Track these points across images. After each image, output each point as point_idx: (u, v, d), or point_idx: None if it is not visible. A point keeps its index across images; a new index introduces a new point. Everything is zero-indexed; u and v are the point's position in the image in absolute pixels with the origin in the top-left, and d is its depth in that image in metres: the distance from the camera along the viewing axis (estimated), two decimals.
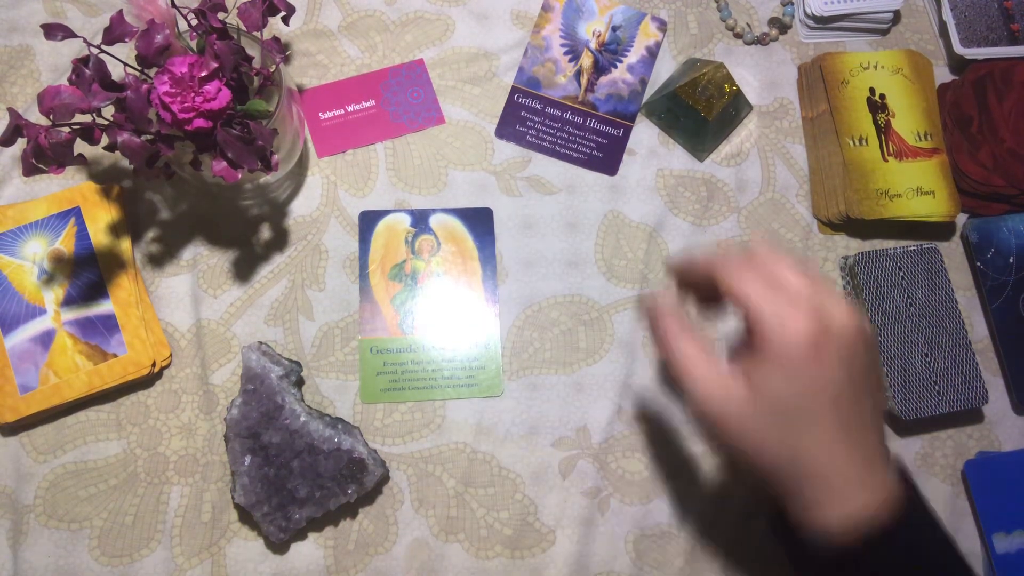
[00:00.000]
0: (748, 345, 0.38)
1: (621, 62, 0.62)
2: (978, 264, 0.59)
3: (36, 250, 0.53)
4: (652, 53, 0.63)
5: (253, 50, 0.50)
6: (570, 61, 0.62)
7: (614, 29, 0.62)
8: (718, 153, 0.62)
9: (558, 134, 0.60)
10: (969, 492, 0.55)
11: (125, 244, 0.54)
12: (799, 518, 0.39)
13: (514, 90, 0.61)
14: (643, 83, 0.62)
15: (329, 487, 0.49)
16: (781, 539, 0.43)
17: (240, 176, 0.46)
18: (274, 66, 0.50)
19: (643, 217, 0.59)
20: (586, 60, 0.62)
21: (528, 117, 0.61)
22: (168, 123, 0.44)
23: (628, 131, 0.61)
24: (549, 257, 0.58)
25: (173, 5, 0.47)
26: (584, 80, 0.62)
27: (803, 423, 0.37)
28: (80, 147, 0.44)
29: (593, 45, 0.62)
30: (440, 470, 0.53)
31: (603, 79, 0.62)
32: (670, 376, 0.46)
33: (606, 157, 0.60)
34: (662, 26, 0.63)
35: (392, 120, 0.60)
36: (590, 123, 0.61)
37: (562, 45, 0.62)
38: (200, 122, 0.44)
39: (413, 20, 0.63)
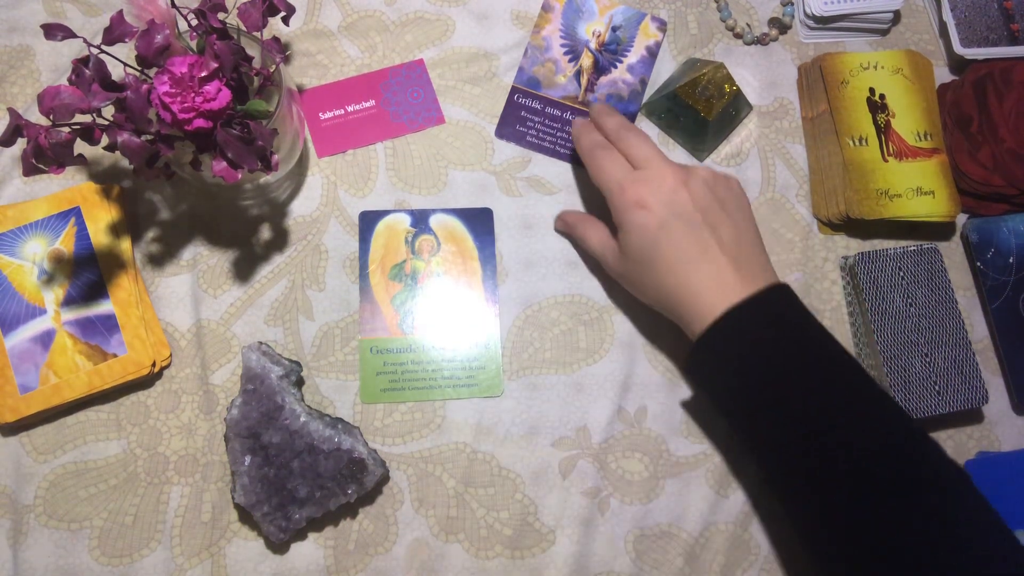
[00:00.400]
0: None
1: (621, 62, 0.62)
2: (978, 264, 0.59)
3: (36, 250, 0.53)
4: (652, 53, 0.63)
5: (253, 50, 0.50)
6: (570, 61, 0.62)
7: (614, 29, 0.62)
8: (718, 153, 0.62)
9: (558, 134, 0.60)
10: None
11: (125, 244, 0.54)
12: (689, 337, 0.49)
13: (514, 90, 0.61)
14: (643, 83, 0.62)
15: (329, 487, 0.49)
16: (690, 377, 0.54)
17: (240, 176, 0.46)
18: (274, 66, 0.50)
19: None
20: (586, 60, 0.62)
21: (528, 117, 0.60)
22: (168, 123, 0.44)
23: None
24: (549, 257, 0.58)
25: (173, 5, 0.47)
26: (584, 80, 0.61)
27: (653, 267, 0.49)
28: (80, 147, 0.44)
29: (593, 45, 0.62)
30: (440, 470, 0.53)
31: (603, 79, 0.62)
32: (577, 242, 0.57)
33: None
34: (662, 26, 0.63)
35: (392, 120, 0.60)
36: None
37: (562, 45, 0.62)
38: (200, 122, 0.44)
39: (413, 20, 0.63)
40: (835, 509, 0.43)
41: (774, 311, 0.47)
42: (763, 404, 0.46)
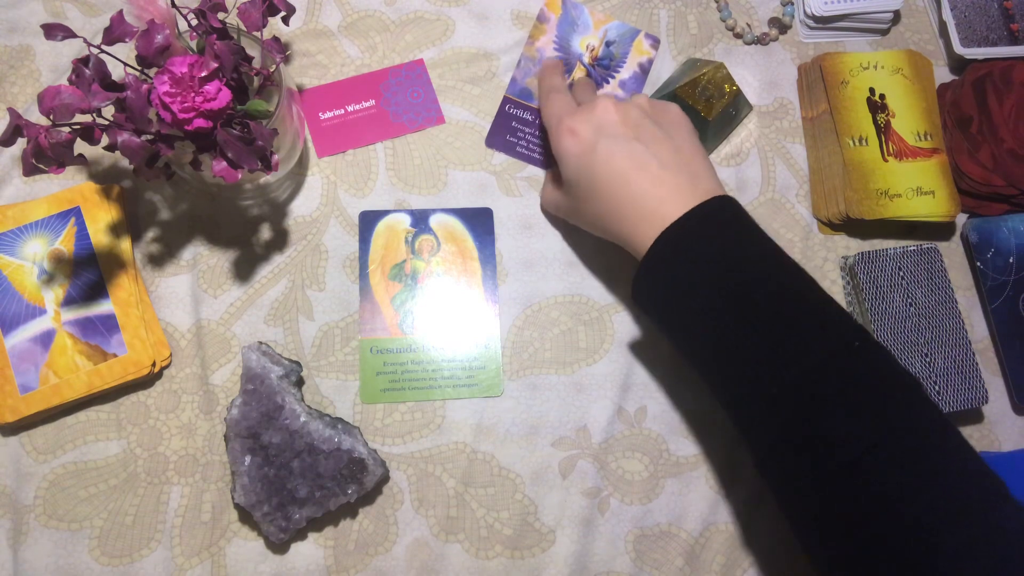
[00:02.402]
0: None
1: (613, 78, 0.62)
2: (978, 264, 0.59)
3: (36, 250, 0.53)
4: (644, 70, 0.62)
5: (253, 50, 0.50)
6: (567, 74, 0.61)
7: (608, 44, 0.62)
8: (718, 153, 0.62)
9: (548, 145, 0.57)
10: None
11: (125, 244, 0.54)
12: (636, 259, 0.48)
13: (506, 100, 0.61)
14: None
15: (329, 487, 0.49)
16: (636, 300, 0.50)
17: (240, 176, 0.46)
18: (274, 66, 0.50)
19: None
20: (579, 74, 0.62)
21: (519, 128, 0.60)
22: (168, 123, 0.44)
23: None
24: (549, 257, 0.58)
25: (173, 5, 0.47)
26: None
27: (591, 193, 0.49)
28: (80, 147, 0.44)
29: (586, 59, 0.62)
30: (440, 470, 0.53)
31: (600, 92, 0.61)
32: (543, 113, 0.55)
33: None
34: (655, 44, 0.63)
35: (392, 120, 0.60)
36: None
37: (556, 54, 0.62)
38: (200, 122, 0.44)
39: (413, 20, 0.63)
40: (790, 426, 0.42)
41: (718, 221, 0.46)
42: (709, 324, 0.44)
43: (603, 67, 0.62)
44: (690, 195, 0.46)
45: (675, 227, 0.45)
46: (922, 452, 0.39)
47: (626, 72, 0.62)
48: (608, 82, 0.62)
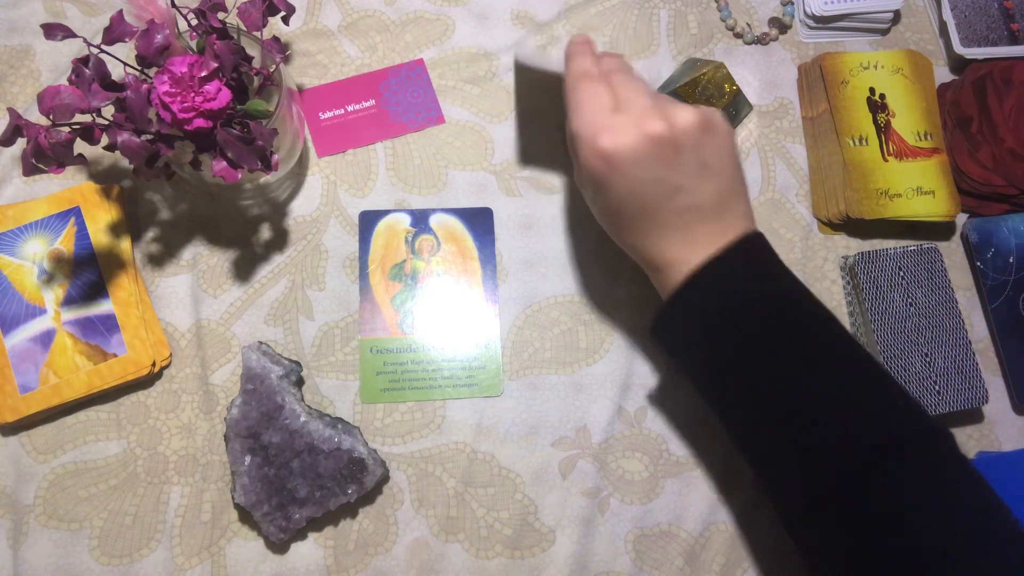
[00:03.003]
0: None
1: None
2: (978, 264, 0.59)
3: (36, 250, 0.53)
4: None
5: (253, 50, 0.50)
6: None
7: None
8: None
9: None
10: None
11: (125, 244, 0.54)
12: (659, 292, 0.47)
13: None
14: None
15: (329, 487, 0.49)
16: (659, 336, 0.48)
17: (240, 176, 0.46)
18: (274, 66, 0.50)
19: None
20: None
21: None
22: (168, 123, 0.44)
23: None
24: (549, 257, 0.58)
25: (173, 5, 0.47)
26: None
27: (620, 221, 0.45)
28: (80, 147, 0.44)
29: None
30: (440, 470, 0.53)
31: None
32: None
33: None
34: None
35: (392, 120, 0.60)
36: None
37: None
38: (200, 122, 0.44)
39: (413, 20, 0.63)
40: (836, 491, 0.40)
41: (749, 265, 0.44)
42: (738, 372, 0.43)
43: None
44: (720, 235, 0.44)
45: (705, 273, 0.43)
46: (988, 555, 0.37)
47: None
48: None
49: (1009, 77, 0.61)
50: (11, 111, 0.43)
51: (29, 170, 0.44)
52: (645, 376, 0.56)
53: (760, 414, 0.42)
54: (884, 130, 0.60)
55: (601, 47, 0.63)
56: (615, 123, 0.43)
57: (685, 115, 0.43)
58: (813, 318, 0.44)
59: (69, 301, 0.53)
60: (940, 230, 0.62)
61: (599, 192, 0.45)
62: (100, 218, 0.54)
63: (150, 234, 0.56)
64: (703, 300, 0.44)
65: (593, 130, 0.43)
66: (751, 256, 0.45)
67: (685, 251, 0.44)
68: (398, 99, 0.61)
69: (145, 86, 0.44)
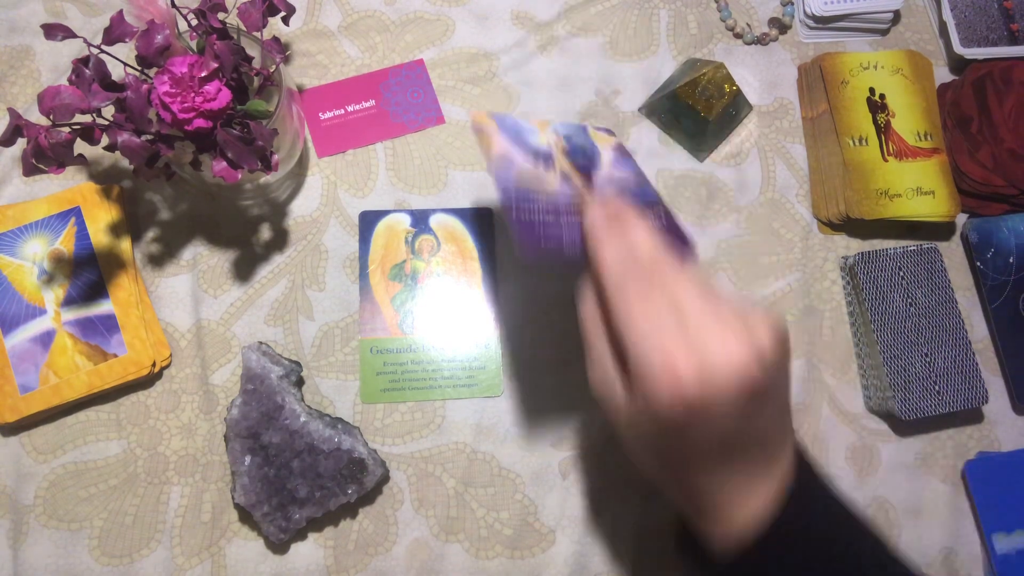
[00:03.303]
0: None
1: (599, 165, 0.46)
2: (978, 264, 0.59)
3: (36, 250, 0.53)
4: (623, 151, 0.49)
5: (253, 50, 0.50)
6: (547, 167, 0.43)
7: (567, 139, 0.47)
8: (718, 153, 0.62)
9: (574, 234, 0.42)
10: (969, 492, 0.55)
11: (125, 244, 0.54)
12: (692, 526, 0.39)
13: (507, 210, 0.40)
14: (640, 175, 0.48)
15: (329, 487, 0.49)
16: (684, 550, 0.42)
17: (240, 176, 0.46)
18: (274, 66, 0.50)
19: None
20: (563, 162, 0.45)
21: (547, 233, 0.41)
22: (168, 123, 0.44)
23: (668, 213, 0.46)
24: None
25: (173, 5, 0.47)
26: (578, 180, 0.44)
27: (665, 460, 0.36)
28: (80, 147, 0.44)
29: (557, 152, 0.45)
30: (440, 470, 0.53)
31: (599, 175, 0.45)
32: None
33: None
34: (609, 132, 0.51)
35: (392, 120, 0.60)
36: None
37: (523, 156, 0.43)
38: (200, 122, 0.44)
39: (413, 20, 0.63)
40: None
41: (812, 520, 0.37)
42: None
43: (581, 156, 0.46)
44: (777, 468, 0.36)
45: (754, 549, 0.36)
46: None
47: (607, 159, 0.47)
48: (597, 167, 0.46)
49: (1009, 77, 0.61)
50: (11, 111, 0.43)
51: (29, 170, 0.44)
52: None
53: None
54: (884, 130, 0.60)
55: (601, 47, 0.63)
56: (690, 345, 0.32)
57: (770, 335, 0.33)
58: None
59: (69, 301, 0.53)
60: (940, 230, 0.62)
61: (664, 434, 0.34)
62: (100, 218, 0.54)
63: (150, 234, 0.56)
64: (775, 553, 0.36)
65: (663, 354, 0.32)
66: (814, 502, 0.38)
67: (744, 494, 0.36)
68: (398, 99, 0.61)
69: (145, 86, 0.44)
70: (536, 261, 0.42)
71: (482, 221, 0.58)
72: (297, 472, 0.49)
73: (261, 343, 0.53)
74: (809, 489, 0.38)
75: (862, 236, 0.61)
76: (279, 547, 0.51)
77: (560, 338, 0.57)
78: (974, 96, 0.61)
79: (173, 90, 0.43)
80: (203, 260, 0.56)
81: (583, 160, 0.45)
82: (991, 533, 0.54)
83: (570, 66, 0.63)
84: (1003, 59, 0.62)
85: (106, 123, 0.45)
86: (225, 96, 0.44)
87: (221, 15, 0.48)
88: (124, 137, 0.44)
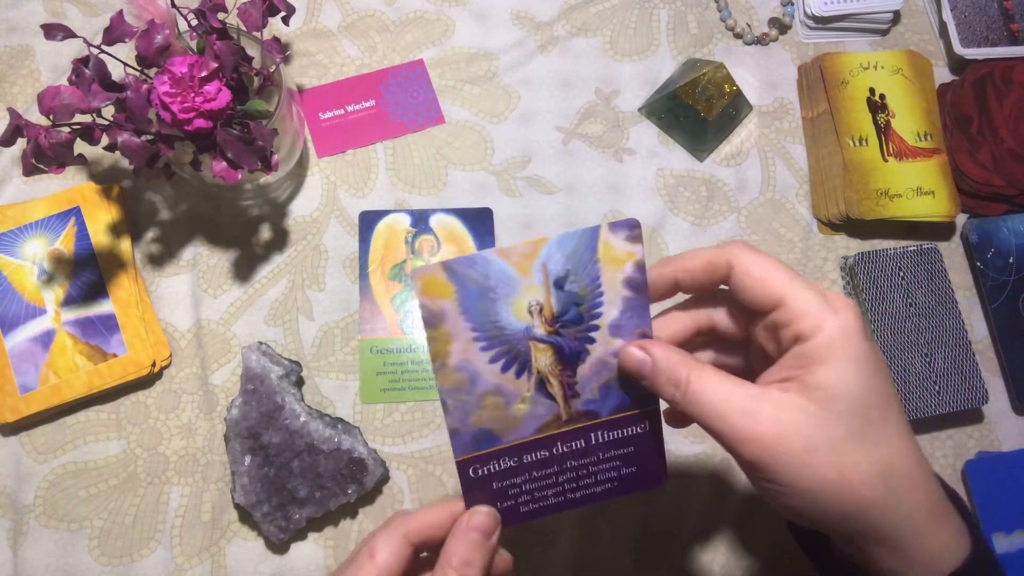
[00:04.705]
0: (766, 358, 0.31)
1: (597, 328, 0.35)
2: (978, 264, 0.59)
3: (36, 250, 0.53)
4: (637, 285, 0.35)
5: (253, 50, 0.50)
6: (518, 375, 0.35)
7: (558, 286, 0.34)
8: (718, 153, 0.62)
9: (560, 479, 0.37)
10: (969, 492, 0.55)
11: (125, 244, 0.54)
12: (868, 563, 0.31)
13: (463, 466, 0.35)
14: (644, 335, 0.35)
15: (329, 487, 0.49)
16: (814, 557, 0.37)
17: (240, 176, 0.46)
18: (274, 66, 0.50)
19: (643, 217, 0.59)
20: (542, 359, 0.35)
21: (509, 487, 0.36)
22: (168, 123, 0.44)
23: (656, 420, 0.37)
24: None
25: (173, 5, 0.47)
26: (556, 389, 0.36)
27: (885, 431, 0.29)
28: (80, 147, 0.44)
29: (540, 331, 0.35)
30: (440, 470, 0.53)
31: (583, 370, 0.35)
32: (699, 421, 0.31)
33: (642, 468, 0.38)
34: (632, 231, 0.34)
35: (392, 120, 0.60)
36: (597, 439, 0.37)
37: (492, 360, 0.35)
38: (200, 122, 0.44)
39: (413, 20, 0.63)
40: None
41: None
42: None
43: (572, 324, 0.35)
44: (953, 523, 0.31)
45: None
46: None
47: (612, 306, 0.35)
48: (592, 340, 0.35)
49: (1009, 77, 0.61)
50: (11, 111, 0.43)
51: (29, 170, 0.44)
52: None
53: None
54: (884, 130, 0.60)
55: (601, 47, 0.64)
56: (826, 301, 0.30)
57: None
58: None
59: (69, 301, 0.53)
60: (940, 230, 0.62)
61: (854, 362, 0.29)
62: (100, 218, 0.54)
63: (150, 234, 0.56)
64: None
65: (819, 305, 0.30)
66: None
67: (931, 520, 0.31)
68: (398, 99, 0.61)
69: (145, 86, 0.44)
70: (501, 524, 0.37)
71: (482, 221, 0.58)
72: (297, 472, 0.49)
73: (261, 343, 0.53)
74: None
75: (862, 236, 0.61)
76: (279, 547, 0.51)
77: None
78: (974, 96, 0.61)
79: (173, 90, 0.43)
80: (203, 260, 0.56)
81: (571, 331, 0.35)
82: (991, 533, 0.54)
83: (570, 66, 0.63)
84: (1003, 59, 0.62)
85: (106, 123, 0.45)
86: (225, 96, 0.44)
87: (221, 15, 0.48)
88: (124, 137, 0.44)
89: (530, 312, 0.35)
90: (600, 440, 0.37)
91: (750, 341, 0.34)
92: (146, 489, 0.52)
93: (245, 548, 0.51)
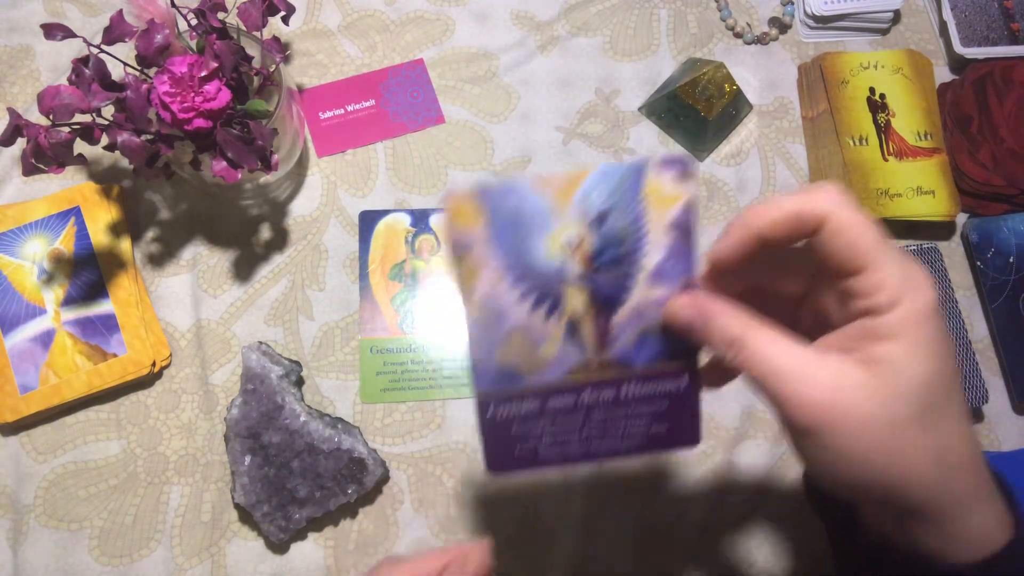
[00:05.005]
0: (834, 325, 0.29)
1: (638, 273, 0.32)
2: (978, 264, 0.59)
3: (36, 250, 0.53)
4: (686, 229, 0.31)
5: (253, 50, 0.50)
6: (548, 316, 0.32)
7: (598, 223, 0.31)
8: (718, 153, 0.62)
9: (584, 430, 0.35)
10: None
11: (125, 244, 0.54)
12: (899, 535, 0.31)
13: (483, 404, 0.34)
14: (690, 284, 0.32)
15: (329, 487, 0.49)
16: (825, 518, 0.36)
17: (240, 176, 0.46)
18: (274, 66, 0.50)
19: None
20: (575, 301, 0.32)
21: (528, 432, 0.34)
22: (168, 123, 0.44)
23: (694, 375, 0.34)
24: None
25: (173, 5, 0.47)
26: (588, 334, 0.33)
27: (946, 416, 0.28)
28: (80, 147, 0.44)
29: (575, 271, 0.32)
30: (440, 470, 0.53)
31: (619, 315, 0.33)
32: (750, 381, 0.29)
33: (675, 426, 0.35)
34: (685, 171, 0.31)
35: (392, 120, 0.60)
36: (628, 391, 0.34)
37: (521, 298, 0.32)
38: (200, 122, 0.44)
39: (413, 20, 0.63)
40: None
41: None
42: None
43: (611, 265, 0.32)
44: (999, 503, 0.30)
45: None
46: None
47: (655, 251, 0.32)
48: (631, 285, 0.32)
49: (1009, 77, 0.61)
50: (11, 111, 0.43)
51: (29, 170, 0.44)
52: None
53: None
54: (884, 130, 0.60)
55: (601, 47, 0.64)
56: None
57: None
58: None
59: (69, 301, 0.53)
60: (940, 230, 0.62)
61: (927, 344, 0.28)
62: (100, 218, 0.54)
63: (150, 234, 0.56)
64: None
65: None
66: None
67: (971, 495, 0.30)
68: (398, 99, 0.61)
69: (145, 86, 0.44)
70: (504, 475, 0.35)
71: None
72: (297, 472, 0.49)
73: (261, 343, 0.53)
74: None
75: None
76: (279, 547, 0.51)
77: None
78: (974, 96, 0.61)
79: (173, 90, 0.43)
80: (203, 260, 0.56)
81: (609, 271, 0.32)
82: None
83: (570, 66, 0.63)
84: (1003, 59, 0.62)
85: (106, 123, 0.45)
86: (225, 96, 0.44)
87: (221, 15, 0.48)
88: (124, 137, 0.44)
89: (566, 249, 0.32)
90: (631, 393, 0.34)
91: (805, 298, 0.32)
92: (146, 489, 0.52)
93: (245, 548, 0.51)
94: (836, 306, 0.30)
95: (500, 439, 0.34)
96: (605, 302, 0.32)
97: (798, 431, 0.28)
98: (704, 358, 0.34)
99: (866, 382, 0.27)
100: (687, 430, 0.36)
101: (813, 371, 0.28)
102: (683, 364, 0.34)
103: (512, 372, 0.33)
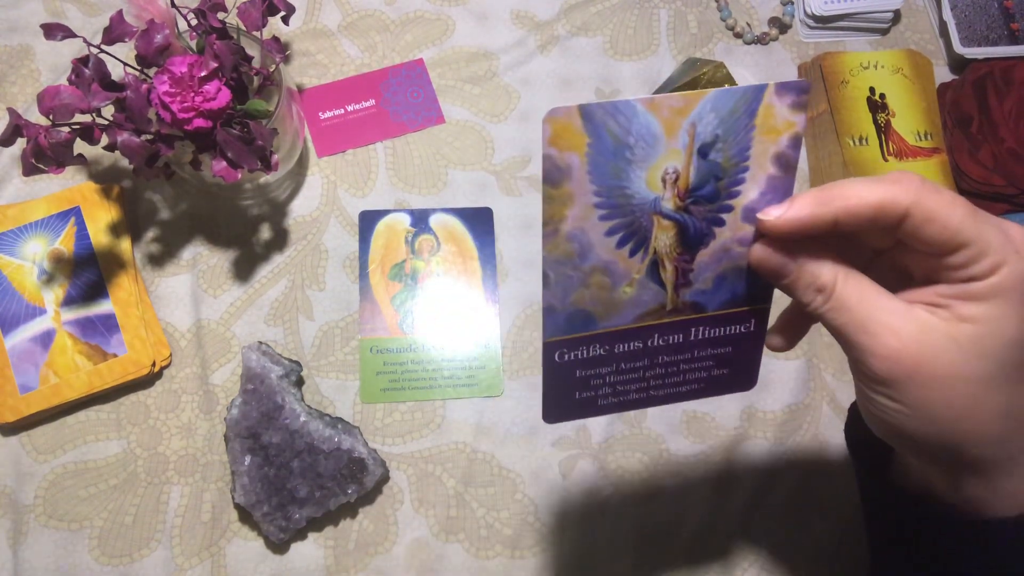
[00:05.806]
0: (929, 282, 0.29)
1: (731, 210, 0.30)
2: None
3: (36, 250, 0.53)
4: (788, 164, 0.30)
5: (253, 50, 0.50)
6: (632, 253, 0.31)
7: (703, 154, 0.29)
8: None
9: (647, 375, 0.34)
10: None
11: (125, 244, 0.54)
12: (949, 489, 0.31)
13: (549, 350, 0.32)
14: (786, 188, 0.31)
15: (329, 487, 0.49)
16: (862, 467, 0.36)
17: (240, 176, 0.46)
18: (274, 66, 0.50)
19: None
20: (662, 238, 0.31)
21: (591, 377, 0.33)
22: (168, 123, 0.44)
23: (763, 321, 0.34)
24: None
25: (173, 5, 0.47)
26: (669, 274, 0.31)
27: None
28: (80, 147, 0.44)
29: (669, 204, 0.30)
30: (440, 470, 0.53)
31: (703, 255, 0.31)
32: (832, 329, 0.29)
33: (736, 370, 0.35)
34: (800, 97, 0.29)
35: (392, 120, 0.60)
36: (698, 334, 0.33)
37: (608, 232, 0.30)
38: (200, 122, 0.44)
39: (413, 20, 0.63)
40: None
41: None
42: None
43: (705, 200, 0.30)
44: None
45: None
46: None
47: (753, 186, 0.30)
48: (722, 222, 0.31)
49: (1009, 77, 0.61)
50: (11, 111, 0.43)
51: (29, 170, 0.44)
52: None
53: None
54: (884, 130, 0.60)
55: (601, 47, 0.64)
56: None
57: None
58: None
59: (69, 301, 0.53)
60: None
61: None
62: (100, 218, 0.54)
63: (150, 234, 0.56)
64: None
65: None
66: None
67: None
68: (398, 99, 0.61)
69: (145, 86, 0.44)
70: (560, 420, 0.34)
71: (482, 221, 0.58)
72: (297, 472, 0.49)
73: (261, 343, 0.53)
74: None
75: None
76: (279, 547, 0.51)
77: None
78: (974, 96, 0.61)
79: (173, 90, 0.43)
80: (203, 260, 0.56)
81: (703, 208, 0.30)
82: None
83: (570, 65, 0.63)
84: (1003, 59, 0.62)
85: (106, 123, 0.45)
86: (225, 96, 0.44)
87: (221, 15, 0.48)
88: (124, 137, 0.44)
89: (663, 181, 0.30)
90: (701, 336, 0.33)
91: (885, 251, 0.31)
92: (146, 489, 0.52)
93: (245, 548, 0.51)
94: (922, 264, 0.29)
95: (562, 387, 0.33)
96: (692, 239, 0.31)
97: (877, 381, 0.28)
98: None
99: (954, 337, 0.27)
100: (746, 375, 0.35)
101: (899, 322, 0.27)
102: (753, 308, 0.33)
103: (586, 316, 0.31)
